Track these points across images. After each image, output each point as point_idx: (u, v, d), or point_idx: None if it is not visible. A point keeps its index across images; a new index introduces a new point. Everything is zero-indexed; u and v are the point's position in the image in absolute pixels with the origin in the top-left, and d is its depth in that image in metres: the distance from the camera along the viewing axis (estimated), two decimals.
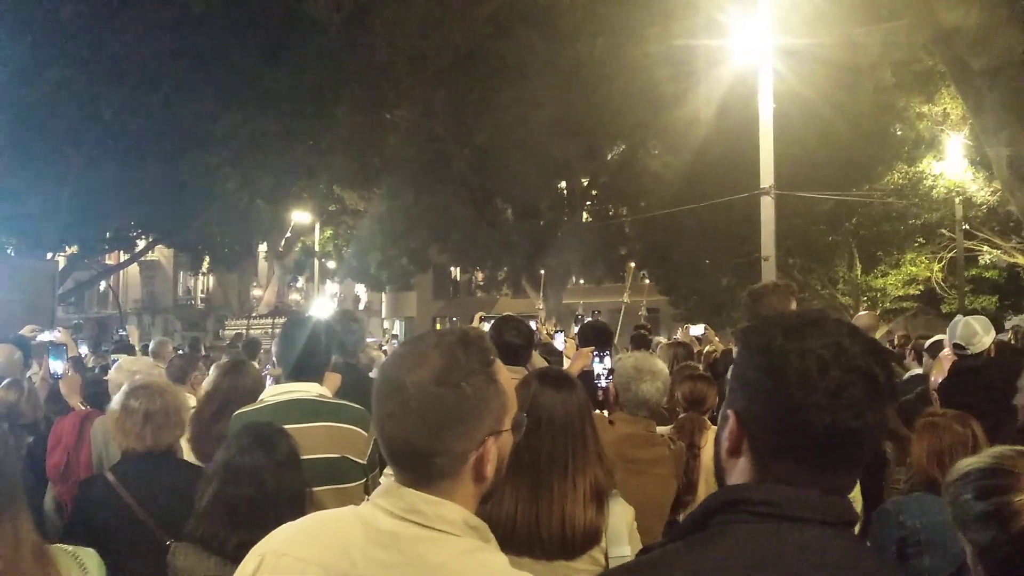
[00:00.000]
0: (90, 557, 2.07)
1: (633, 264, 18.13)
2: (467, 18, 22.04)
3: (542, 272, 26.24)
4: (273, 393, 3.34)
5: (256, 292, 38.77)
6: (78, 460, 4.58)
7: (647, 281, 27.20)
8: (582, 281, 36.15)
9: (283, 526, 1.46)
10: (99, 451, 4.40)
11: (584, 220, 30.69)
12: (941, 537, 3.15)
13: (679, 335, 9.40)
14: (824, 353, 1.20)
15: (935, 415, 3.41)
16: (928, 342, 6.52)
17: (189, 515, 2.69)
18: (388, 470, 3.15)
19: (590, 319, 6.59)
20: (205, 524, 2.57)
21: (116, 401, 3.30)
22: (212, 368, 4.90)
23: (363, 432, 3.27)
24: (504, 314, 4.44)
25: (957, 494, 1.71)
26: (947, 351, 5.00)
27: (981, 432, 3.30)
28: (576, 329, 6.33)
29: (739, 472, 1.28)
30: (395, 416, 1.36)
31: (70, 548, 2.07)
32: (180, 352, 9.48)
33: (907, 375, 6.60)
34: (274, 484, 2.58)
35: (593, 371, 4.62)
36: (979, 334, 4.64)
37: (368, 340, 13.08)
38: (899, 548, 3.20)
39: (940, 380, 4.84)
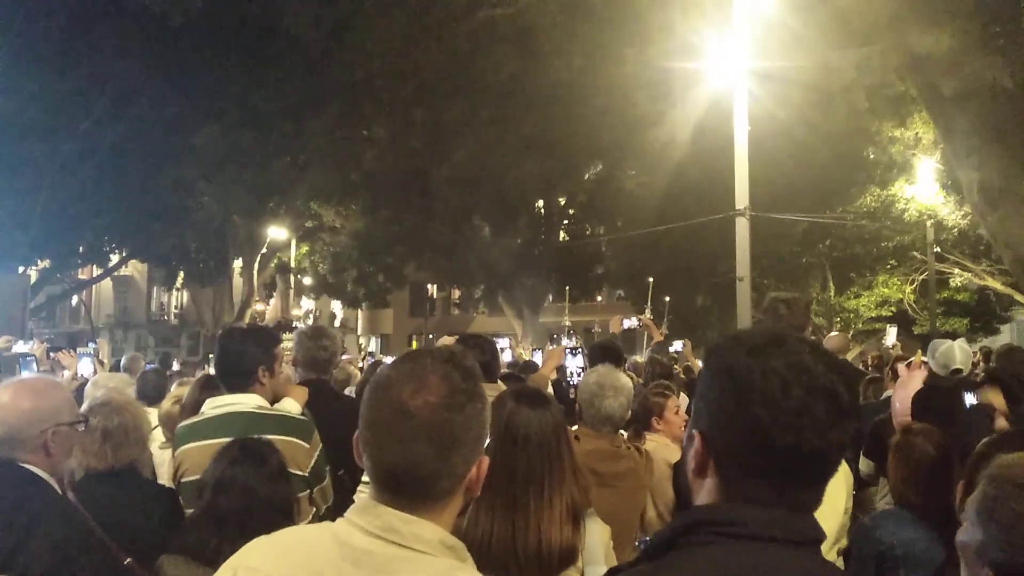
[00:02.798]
0: None
1: (651, 279, 17.95)
2: (446, 36, 22.12)
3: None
4: (212, 406, 3.29)
5: (259, 307, 38.38)
6: None
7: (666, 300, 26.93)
8: (596, 301, 36.06)
9: (256, 540, 1.44)
10: (70, 467, 4.33)
11: (561, 239, 30.79)
12: (916, 552, 3.24)
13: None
14: (787, 372, 1.19)
15: (910, 432, 3.45)
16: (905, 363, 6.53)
17: (150, 533, 2.66)
18: (361, 487, 3.13)
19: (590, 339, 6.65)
20: (195, 534, 2.55)
21: None
22: (176, 384, 4.85)
23: (304, 444, 3.22)
24: (466, 333, 4.49)
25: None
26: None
27: (953, 450, 3.34)
28: (551, 348, 6.36)
29: (706, 492, 1.27)
30: (404, 442, 1.35)
31: None
32: (153, 368, 9.36)
33: (884, 395, 6.63)
34: (266, 495, 2.58)
35: (566, 369, 4.65)
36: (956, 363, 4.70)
37: (344, 357, 12.99)
38: (877, 563, 3.26)
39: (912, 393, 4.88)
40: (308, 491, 3.23)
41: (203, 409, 3.32)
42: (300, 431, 3.25)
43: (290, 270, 34.20)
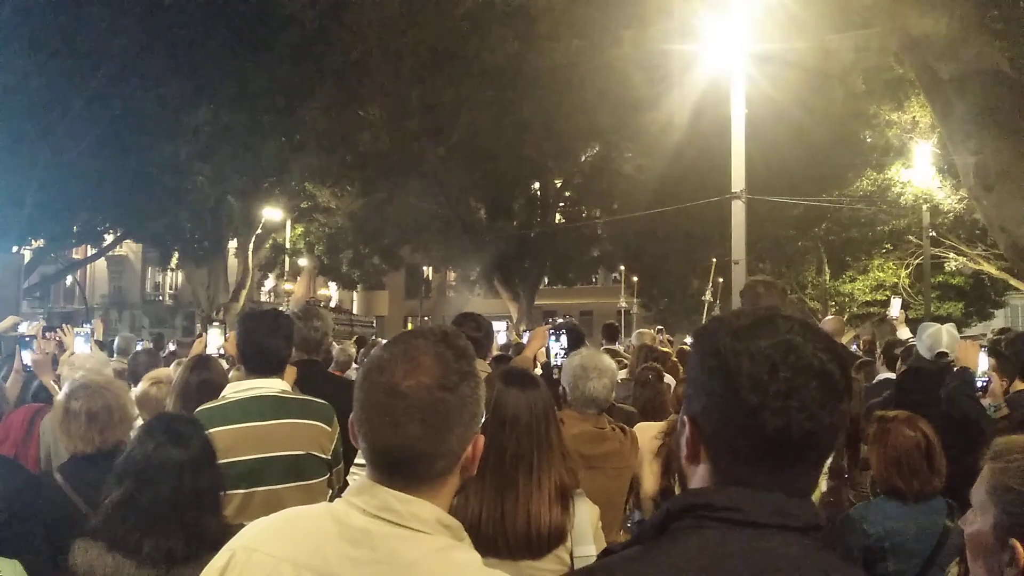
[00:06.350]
0: (9, 567, 2.04)
1: (714, 260, 17.28)
2: (442, 16, 22.01)
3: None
4: (235, 390, 3.30)
5: (287, 286, 38.07)
6: (27, 455, 4.48)
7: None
8: (592, 284, 35.96)
9: (255, 522, 1.45)
10: (47, 447, 4.32)
11: (557, 221, 30.75)
12: (903, 542, 3.25)
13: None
14: (773, 353, 1.16)
15: (885, 420, 3.45)
16: (902, 348, 6.50)
17: None
18: (354, 469, 3.14)
19: (561, 320, 6.67)
20: (118, 525, 2.38)
21: (58, 402, 3.21)
22: (173, 365, 4.83)
23: (327, 428, 3.29)
24: (464, 311, 4.51)
25: None
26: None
27: (932, 432, 3.35)
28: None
29: (699, 478, 1.24)
30: (399, 423, 1.35)
31: None
32: (145, 348, 9.33)
33: (876, 378, 6.63)
34: (191, 483, 2.44)
35: (549, 349, 4.68)
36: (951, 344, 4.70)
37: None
38: (865, 555, 3.27)
39: (899, 376, 4.88)
40: (328, 474, 3.30)
41: (224, 393, 3.34)
42: (323, 415, 3.31)
43: (285, 251, 34.08)
